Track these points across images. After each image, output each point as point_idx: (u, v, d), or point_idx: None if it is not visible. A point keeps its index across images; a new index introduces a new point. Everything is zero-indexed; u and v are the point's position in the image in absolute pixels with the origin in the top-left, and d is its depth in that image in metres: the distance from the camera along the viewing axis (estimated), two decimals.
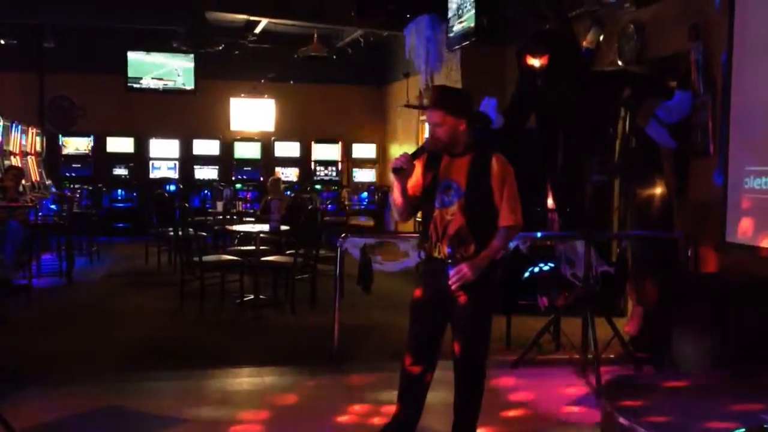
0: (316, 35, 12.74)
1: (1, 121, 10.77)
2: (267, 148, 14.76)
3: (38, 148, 13.09)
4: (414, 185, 3.75)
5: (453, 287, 3.60)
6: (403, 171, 3.59)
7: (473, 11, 8.88)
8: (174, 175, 14.39)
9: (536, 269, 6.35)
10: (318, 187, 14.58)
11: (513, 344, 6.18)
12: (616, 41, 7.26)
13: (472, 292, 3.63)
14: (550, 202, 7.88)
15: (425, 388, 3.84)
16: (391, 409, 3.96)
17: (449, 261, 3.64)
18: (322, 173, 14.88)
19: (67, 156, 14.03)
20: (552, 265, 6.30)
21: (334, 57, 13.50)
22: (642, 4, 6.49)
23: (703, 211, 5.97)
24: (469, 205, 3.63)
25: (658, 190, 6.57)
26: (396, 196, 3.73)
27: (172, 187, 13.91)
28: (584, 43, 7.59)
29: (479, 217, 3.64)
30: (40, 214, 9.73)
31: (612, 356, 5.78)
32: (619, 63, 7.20)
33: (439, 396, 4.21)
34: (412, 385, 3.82)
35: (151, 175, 14.28)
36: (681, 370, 5.46)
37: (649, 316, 6.02)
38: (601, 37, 7.56)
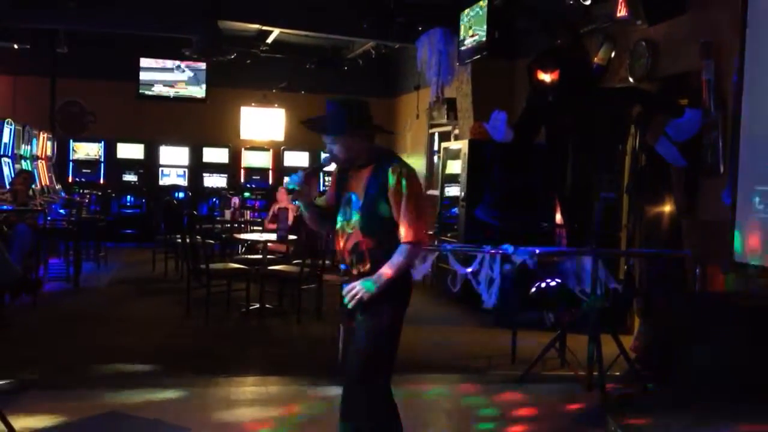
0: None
1: (13, 124, 10.82)
2: (276, 158, 14.81)
3: (49, 152, 13.15)
4: (329, 199, 3.61)
5: (349, 306, 3.35)
6: (296, 191, 3.42)
7: (485, 25, 8.91)
8: (183, 182, 14.44)
9: (543, 285, 6.33)
10: None
11: (518, 360, 6.16)
12: (627, 58, 7.26)
13: (368, 310, 3.35)
14: (558, 217, 7.88)
15: None
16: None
17: (345, 277, 3.45)
18: None
19: (77, 161, 14.10)
20: (559, 280, 6.28)
21: (345, 68, 13.54)
22: (654, 21, 6.49)
23: (712, 229, 5.95)
24: (364, 218, 3.38)
25: (667, 208, 6.55)
26: (303, 213, 3.58)
27: (181, 195, 13.95)
28: (595, 60, 7.60)
29: (375, 232, 3.37)
30: (49, 218, 9.76)
31: (617, 374, 5.76)
32: (630, 80, 7.20)
33: None
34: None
35: (161, 182, 14.32)
36: (687, 389, 5.43)
37: (655, 334, 5.99)
38: (613, 54, 7.57)
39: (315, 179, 3.57)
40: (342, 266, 3.49)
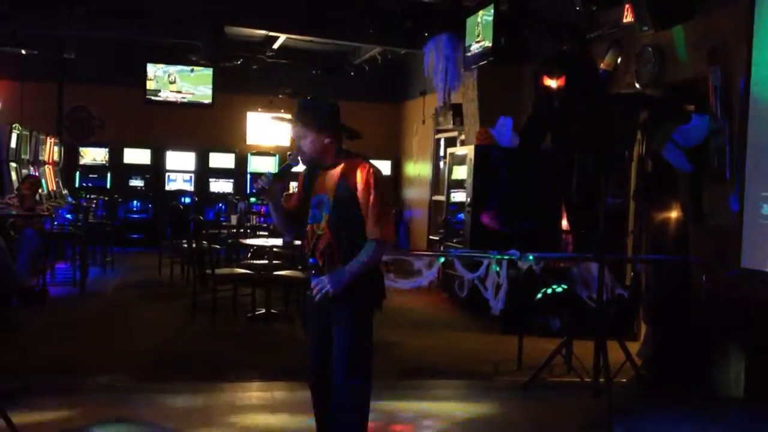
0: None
1: (20, 130, 10.86)
2: (283, 163, 14.78)
3: (56, 157, 13.19)
4: (294, 201, 3.67)
5: (315, 299, 3.40)
6: (265, 191, 3.49)
7: (491, 31, 8.91)
8: (189, 187, 14.46)
9: (549, 290, 6.32)
10: None
11: (525, 366, 6.15)
12: (633, 64, 7.25)
13: (342, 311, 3.44)
14: (564, 223, 7.87)
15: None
16: (400, 426, 3.93)
17: (313, 272, 3.51)
18: None
19: (84, 166, 14.13)
20: (565, 286, 6.27)
21: (352, 74, 13.56)
22: (661, 27, 6.48)
23: (719, 236, 5.94)
24: (335, 219, 3.45)
25: (674, 215, 6.54)
26: (272, 214, 3.63)
27: (187, 200, 13.97)
28: (602, 66, 7.59)
29: (346, 232, 3.44)
30: (55, 223, 9.81)
31: (624, 380, 5.74)
32: (637, 86, 7.19)
33: None
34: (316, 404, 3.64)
35: (167, 187, 14.34)
36: (694, 396, 5.41)
37: (662, 340, 5.97)
38: (619, 60, 7.56)
39: (282, 180, 3.64)
40: (311, 260, 3.53)
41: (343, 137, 3.59)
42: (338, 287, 3.37)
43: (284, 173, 3.64)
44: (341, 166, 3.50)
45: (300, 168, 3.62)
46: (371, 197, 3.40)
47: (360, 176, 3.43)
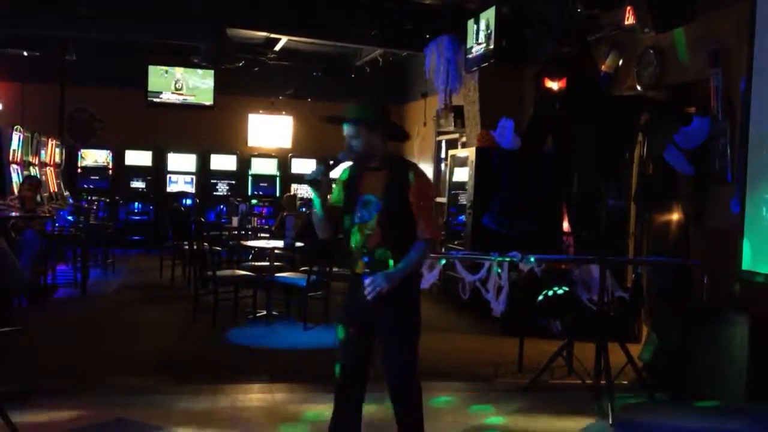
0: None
1: (22, 131, 10.87)
2: (284, 165, 14.83)
3: (57, 159, 13.20)
4: (334, 202, 3.76)
5: (369, 297, 3.51)
6: (318, 182, 3.57)
7: (492, 33, 8.91)
8: (191, 189, 14.47)
9: (550, 293, 6.31)
10: None
11: (525, 368, 6.15)
12: (635, 66, 7.25)
13: (391, 306, 3.59)
14: (565, 225, 7.86)
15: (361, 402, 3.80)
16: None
17: (366, 271, 3.62)
18: None
19: (86, 168, 14.14)
20: (566, 288, 6.26)
21: (353, 76, 13.56)
22: (662, 29, 6.48)
23: (720, 238, 5.93)
24: (386, 219, 3.58)
25: (675, 217, 6.53)
26: (316, 210, 3.71)
27: (189, 201, 13.98)
28: (603, 68, 7.59)
29: (397, 231, 3.60)
30: (57, 224, 9.81)
31: (625, 383, 5.73)
32: (638, 88, 7.19)
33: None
34: (347, 401, 3.82)
35: (168, 189, 14.36)
36: (694, 398, 5.41)
37: (663, 343, 5.96)
38: (620, 62, 7.56)
39: (328, 175, 3.72)
40: (365, 259, 3.63)
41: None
42: (392, 285, 3.50)
43: (334, 167, 3.69)
44: (388, 167, 3.66)
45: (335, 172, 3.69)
46: (423, 199, 3.61)
47: (411, 178, 3.60)
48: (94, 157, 14.18)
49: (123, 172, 14.21)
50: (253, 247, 8.97)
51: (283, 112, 14.90)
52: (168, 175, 14.42)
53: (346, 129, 3.64)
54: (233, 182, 14.65)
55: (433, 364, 6.38)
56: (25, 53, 12.39)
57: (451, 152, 10.46)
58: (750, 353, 5.15)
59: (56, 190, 12.77)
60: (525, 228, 6.87)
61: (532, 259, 5.85)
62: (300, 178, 14.66)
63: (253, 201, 14.34)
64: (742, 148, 5.61)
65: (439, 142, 12.71)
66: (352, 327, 3.73)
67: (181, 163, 14.50)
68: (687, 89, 6.70)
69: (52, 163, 12.78)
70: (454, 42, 10.31)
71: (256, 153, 14.82)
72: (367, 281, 3.53)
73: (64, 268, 10.13)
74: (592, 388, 5.43)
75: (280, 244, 8.51)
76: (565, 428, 4.94)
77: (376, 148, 3.64)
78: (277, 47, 13.23)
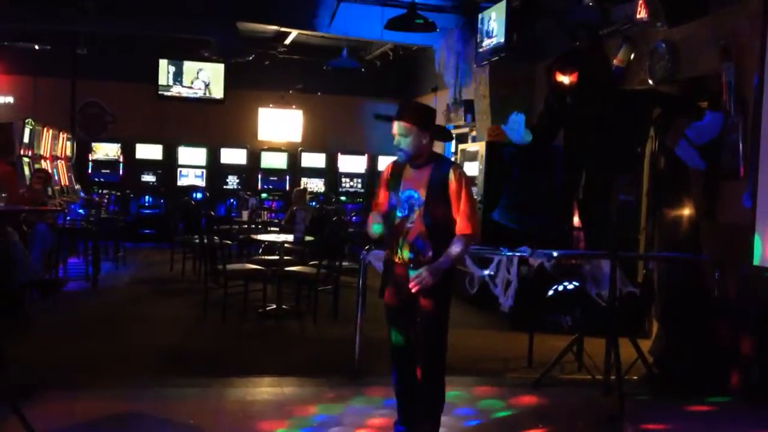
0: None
1: (33, 125, 10.91)
2: (293, 159, 14.83)
3: (68, 153, 13.25)
4: (381, 199, 4.06)
5: (413, 290, 3.84)
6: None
7: (503, 27, 8.88)
8: (201, 183, 14.50)
9: (561, 287, 6.29)
10: (343, 198, 14.62)
11: (535, 363, 6.14)
12: (647, 60, 7.21)
13: (433, 296, 3.90)
14: (576, 220, 7.83)
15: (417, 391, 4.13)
16: None
17: (410, 265, 3.90)
18: (348, 185, 14.92)
19: (97, 161, 14.18)
20: (577, 283, 6.24)
21: (363, 70, 13.56)
22: (674, 23, 6.44)
23: (732, 234, 5.90)
24: (428, 214, 3.86)
25: (686, 212, 6.50)
26: (381, 200, 4.06)
27: (199, 195, 14.01)
28: (615, 62, 7.55)
29: (437, 226, 3.86)
30: (68, 218, 9.85)
31: (635, 378, 5.72)
32: (650, 82, 7.15)
33: None
34: (406, 391, 4.19)
35: (179, 183, 14.40)
36: (705, 394, 5.39)
37: (674, 338, 5.94)
38: (632, 56, 7.51)
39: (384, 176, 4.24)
40: (409, 255, 3.91)
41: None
42: (437, 278, 3.81)
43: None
44: (431, 164, 3.94)
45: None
46: (463, 195, 3.86)
47: (453, 176, 3.88)
48: (105, 150, 14.22)
49: (134, 166, 14.24)
50: (263, 241, 8.98)
51: (293, 106, 14.90)
52: (179, 169, 14.45)
53: (396, 127, 3.91)
54: (243, 176, 14.67)
55: None
56: (37, 47, 12.43)
57: (461, 147, 10.44)
58: (761, 349, 5.12)
59: (67, 183, 12.82)
60: (534, 224, 6.85)
61: (555, 254, 5.81)
62: (310, 172, 14.72)
63: (263, 195, 14.35)
64: (754, 143, 5.57)
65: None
66: (392, 301, 4.09)
67: (192, 157, 14.52)
68: (699, 84, 6.66)
69: (63, 156, 12.83)
70: (465, 36, 10.28)
71: (266, 147, 14.83)
72: (412, 276, 3.83)
73: (76, 262, 10.18)
74: (602, 384, 5.42)
75: (290, 238, 8.52)
76: (574, 423, 4.93)
77: (424, 147, 3.90)
78: (288, 41, 13.23)
